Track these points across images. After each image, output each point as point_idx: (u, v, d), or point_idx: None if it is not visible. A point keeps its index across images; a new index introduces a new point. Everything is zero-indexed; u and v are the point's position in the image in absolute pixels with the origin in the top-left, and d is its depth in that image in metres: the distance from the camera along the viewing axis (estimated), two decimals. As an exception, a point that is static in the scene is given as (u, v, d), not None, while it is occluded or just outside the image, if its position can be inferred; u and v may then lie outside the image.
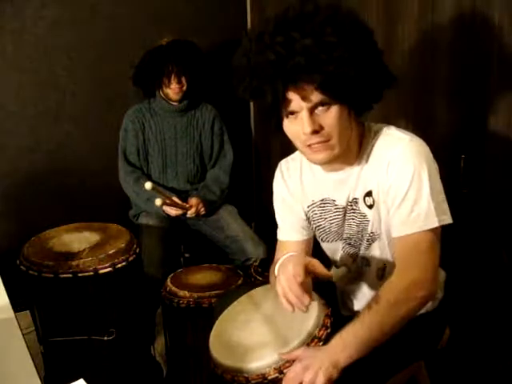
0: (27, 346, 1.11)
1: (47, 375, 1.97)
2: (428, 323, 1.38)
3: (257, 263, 2.10)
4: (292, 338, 1.21)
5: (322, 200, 1.34)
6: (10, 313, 1.25)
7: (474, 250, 1.65)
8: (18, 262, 1.86)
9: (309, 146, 1.17)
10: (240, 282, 1.95)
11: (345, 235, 1.36)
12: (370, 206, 1.26)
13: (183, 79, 2.32)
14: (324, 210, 1.35)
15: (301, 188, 1.38)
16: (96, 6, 2.48)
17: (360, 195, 1.27)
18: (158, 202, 2.09)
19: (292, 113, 1.15)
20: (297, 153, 1.39)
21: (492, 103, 1.51)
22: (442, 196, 1.19)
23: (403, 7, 1.76)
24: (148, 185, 2.07)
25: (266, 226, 2.98)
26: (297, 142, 1.21)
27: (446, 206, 1.19)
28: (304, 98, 1.11)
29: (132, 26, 2.56)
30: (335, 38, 1.06)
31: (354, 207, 1.29)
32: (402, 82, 1.80)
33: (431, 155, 1.21)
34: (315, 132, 1.13)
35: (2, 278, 1.43)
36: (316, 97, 1.10)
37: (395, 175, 1.18)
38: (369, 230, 1.29)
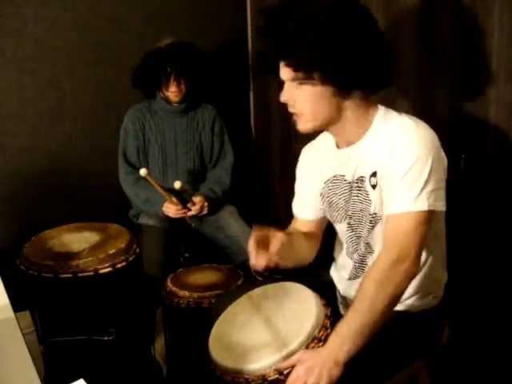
0: (27, 346, 1.11)
1: (47, 375, 1.97)
2: (428, 321, 1.39)
3: (257, 263, 2.10)
4: (292, 338, 1.21)
5: (335, 176, 1.41)
6: (10, 313, 1.25)
7: (474, 249, 1.65)
8: (17, 261, 1.86)
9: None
10: (240, 282, 1.95)
11: (349, 212, 1.39)
12: (374, 187, 1.30)
13: (182, 82, 2.32)
14: (335, 184, 1.41)
15: (318, 169, 1.47)
16: (96, 6, 2.48)
17: (366, 174, 1.31)
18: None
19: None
20: (318, 137, 1.50)
21: (492, 103, 1.51)
22: (442, 184, 1.22)
23: (404, 5, 1.77)
24: (143, 171, 2.09)
25: (265, 226, 2.97)
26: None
27: (442, 193, 1.22)
28: (283, 71, 1.27)
29: (132, 26, 2.56)
30: (293, 30, 1.19)
31: (360, 185, 1.33)
32: (402, 82, 1.81)
33: (437, 143, 1.25)
34: (289, 103, 1.30)
35: (2, 278, 1.43)
36: (289, 73, 1.26)
37: (398, 158, 1.22)
38: (371, 211, 1.32)
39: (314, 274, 1.62)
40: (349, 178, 1.37)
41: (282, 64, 1.26)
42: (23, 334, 1.16)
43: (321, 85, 1.23)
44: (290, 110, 1.31)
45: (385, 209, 1.26)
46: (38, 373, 1.03)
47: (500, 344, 1.63)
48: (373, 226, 1.33)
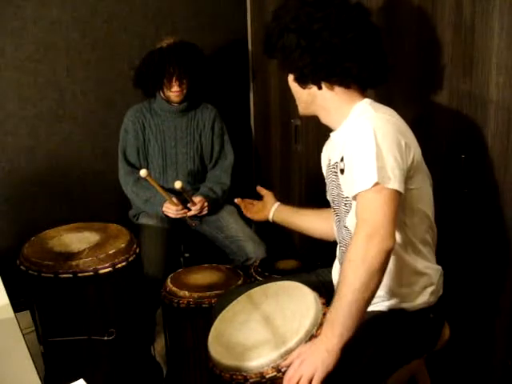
0: (27, 346, 1.11)
1: (47, 375, 1.97)
2: (427, 319, 1.39)
3: (257, 263, 2.10)
4: (290, 336, 1.21)
5: (329, 159, 1.48)
6: (10, 313, 1.25)
7: (474, 249, 1.65)
8: (17, 262, 1.86)
9: None
10: (240, 282, 1.95)
11: (331, 197, 1.47)
12: (342, 171, 1.35)
13: (184, 82, 2.32)
14: (328, 167, 1.48)
15: (324, 154, 1.56)
16: (96, 6, 2.48)
17: (338, 159, 1.38)
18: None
19: None
20: None
21: (492, 103, 1.51)
22: (393, 164, 1.21)
23: (403, 5, 1.77)
24: (143, 172, 2.09)
25: (266, 226, 2.97)
26: None
27: (394, 172, 1.21)
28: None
29: (132, 26, 2.56)
30: (276, 33, 1.37)
31: (335, 170, 1.40)
32: (401, 82, 1.81)
33: (391, 124, 1.27)
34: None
35: (2, 278, 1.43)
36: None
37: (350, 143, 1.28)
38: (344, 195, 1.37)
39: (314, 273, 1.63)
40: (331, 162, 1.45)
41: None
42: (23, 334, 1.17)
43: (290, 74, 1.41)
44: None
45: (350, 194, 1.31)
46: (38, 373, 1.04)
47: (499, 344, 1.63)
48: (347, 210, 1.37)
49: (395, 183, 1.20)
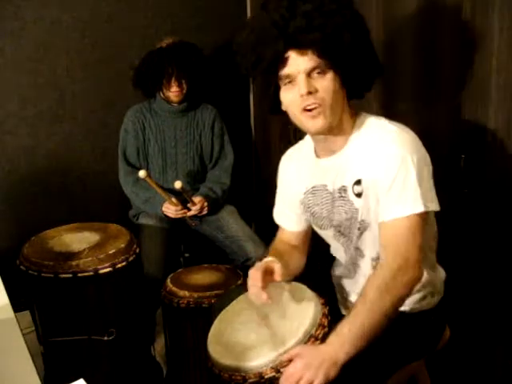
0: (27, 346, 1.11)
1: (47, 375, 1.97)
2: (428, 321, 1.39)
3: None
4: (289, 337, 1.21)
5: (314, 186, 1.40)
6: (10, 313, 1.25)
7: (474, 250, 1.65)
8: (17, 262, 1.86)
9: (304, 110, 1.24)
10: (240, 281, 1.95)
11: (335, 222, 1.39)
12: (359, 195, 1.29)
13: (184, 82, 2.32)
14: (315, 195, 1.40)
15: (297, 178, 1.45)
16: (96, 6, 2.47)
17: (349, 183, 1.31)
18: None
19: (288, 78, 1.23)
20: (301, 142, 1.47)
21: (492, 103, 1.51)
22: (430, 184, 1.22)
23: (403, 5, 1.77)
24: (142, 173, 2.09)
25: (266, 226, 2.97)
26: (294, 109, 1.27)
27: (432, 193, 1.22)
28: (302, 61, 1.20)
29: (132, 26, 2.56)
30: (334, 5, 1.18)
31: (343, 195, 1.33)
32: (402, 82, 1.81)
33: (419, 144, 1.26)
34: (310, 93, 1.21)
35: (2, 278, 1.43)
36: (313, 60, 1.20)
37: (383, 165, 1.22)
38: (359, 218, 1.32)
39: (314, 274, 1.63)
40: (330, 187, 1.36)
41: (306, 51, 1.20)
42: (23, 334, 1.17)
43: (335, 74, 1.23)
44: (309, 101, 1.22)
45: (378, 216, 1.25)
46: (38, 373, 1.04)
47: (500, 344, 1.63)
48: (361, 232, 1.34)
49: (435, 204, 1.21)
